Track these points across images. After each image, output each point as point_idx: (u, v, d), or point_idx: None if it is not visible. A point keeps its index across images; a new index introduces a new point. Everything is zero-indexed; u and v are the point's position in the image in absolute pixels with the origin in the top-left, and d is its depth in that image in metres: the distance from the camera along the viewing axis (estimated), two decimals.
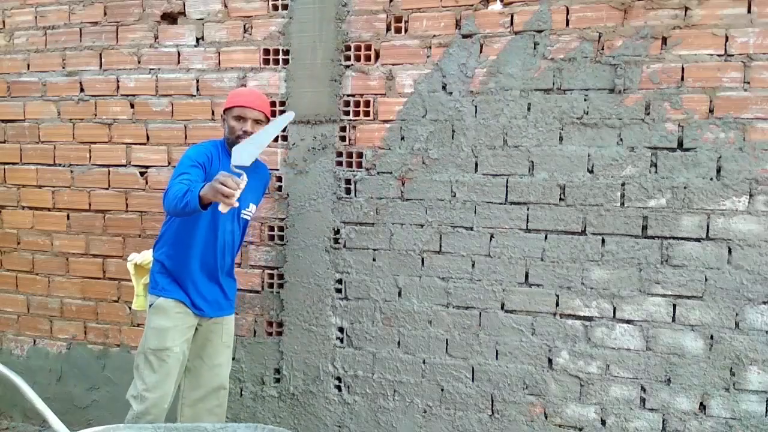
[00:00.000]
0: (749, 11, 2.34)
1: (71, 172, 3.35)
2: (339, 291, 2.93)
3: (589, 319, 2.60)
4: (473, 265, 2.73)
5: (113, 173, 3.26)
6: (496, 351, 2.72)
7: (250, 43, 2.99)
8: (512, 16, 2.60)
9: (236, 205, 2.14)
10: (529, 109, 2.61)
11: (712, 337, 2.46)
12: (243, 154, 2.23)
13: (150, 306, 2.56)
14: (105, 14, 3.22)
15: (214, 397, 2.66)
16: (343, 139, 2.88)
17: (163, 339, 2.50)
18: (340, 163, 2.88)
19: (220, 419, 2.68)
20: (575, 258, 2.59)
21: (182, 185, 2.25)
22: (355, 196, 2.87)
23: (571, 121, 2.56)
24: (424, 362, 2.82)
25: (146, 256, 2.70)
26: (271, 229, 3.02)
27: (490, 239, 2.69)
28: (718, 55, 2.39)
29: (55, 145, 3.37)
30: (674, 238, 2.47)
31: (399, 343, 2.86)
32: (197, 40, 3.08)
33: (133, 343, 3.28)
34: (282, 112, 2.95)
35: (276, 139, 2.98)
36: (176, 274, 2.55)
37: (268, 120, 2.57)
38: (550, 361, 2.66)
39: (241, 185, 2.11)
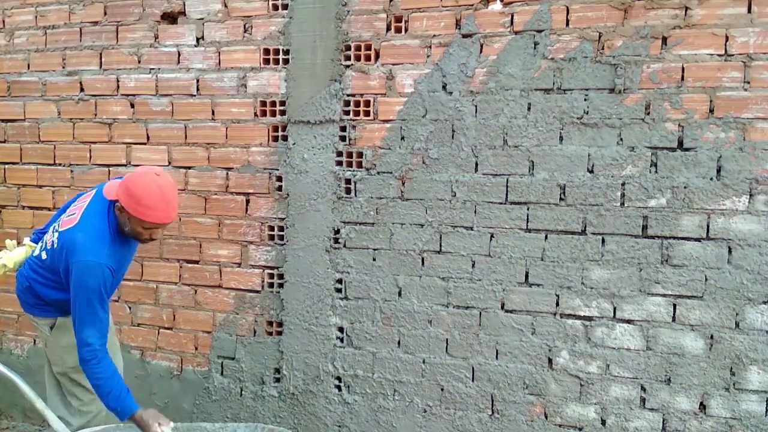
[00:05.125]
0: (749, 11, 2.34)
1: (71, 171, 3.35)
2: (339, 291, 2.93)
3: (589, 318, 2.60)
4: (473, 265, 2.72)
5: (113, 173, 3.26)
6: (496, 351, 2.72)
7: (250, 42, 2.99)
8: (512, 16, 2.60)
9: None
10: (529, 108, 2.61)
11: (712, 336, 2.46)
12: None
13: (51, 328, 2.51)
14: (105, 14, 3.22)
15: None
16: (343, 139, 2.88)
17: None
18: (340, 163, 2.88)
19: None
20: (575, 258, 2.59)
21: (119, 382, 2.27)
22: (355, 195, 2.87)
23: (571, 120, 2.56)
24: (424, 362, 2.82)
25: (9, 257, 2.58)
26: (271, 228, 3.02)
27: (490, 239, 2.69)
28: (719, 55, 2.38)
29: (55, 145, 3.37)
30: (674, 237, 2.47)
31: (399, 342, 2.86)
32: (197, 39, 3.08)
33: (133, 342, 3.29)
34: (282, 111, 2.96)
35: (276, 139, 2.99)
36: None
37: None
38: (550, 360, 2.66)
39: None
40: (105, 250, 2.29)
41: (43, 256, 2.46)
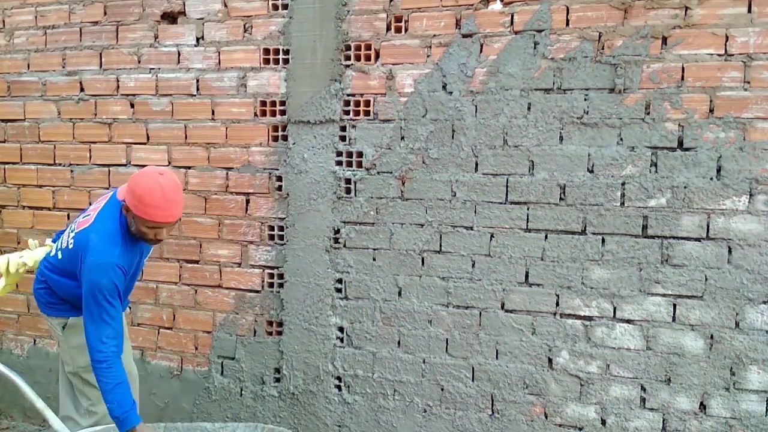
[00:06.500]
0: (749, 11, 2.34)
1: (71, 171, 3.35)
2: (339, 291, 2.93)
3: (589, 318, 2.60)
4: (473, 265, 2.73)
5: (113, 173, 3.26)
6: (496, 351, 2.72)
7: (250, 42, 2.99)
8: (512, 16, 2.60)
9: None
10: (529, 108, 2.61)
11: (712, 336, 2.46)
12: None
13: (63, 328, 2.52)
14: (105, 14, 3.22)
15: (133, 384, 2.68)
16: (343, 138, 2.88)
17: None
18: (340, 163, 2.88)
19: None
20: (575, 258, 2.59)
21: (127, 391, 2.27)
22: (355, 195, 2.87)
23: (572, 120, 2.56)
24: (424, 362, 2.82)
25: (30, 256, 2.57)
26: (271, 228, 3.02)
27: (490, 239, 2.69)
28: (719, 55, 2.39)
29: (55, 145, 3.37)
30: (674, 237, 2.47)
31: (399, 342, 2.86)
32: (197, 39, 3.08)
33: (133, 342, 3.28)
34: (282, 111, 2.96)
35: (276, 139, 2.99)
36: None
37: None
38: (550, 360, 2.66)
39: None
40: (117, 250, 2.31)
41: (59, 256, 2.49)
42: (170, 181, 2.31)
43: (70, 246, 2.42)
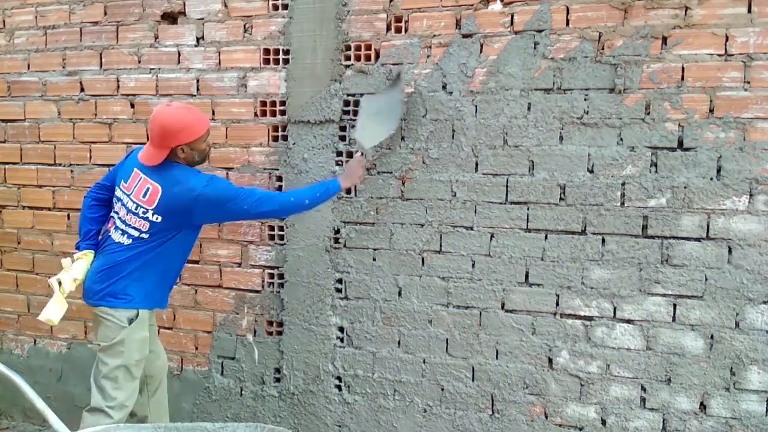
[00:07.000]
0: (749, 11, 2.34)
1: (72, 171, 3.35)
2: (339, 291, 2.93)
3: (590, 318, 2.60)
4: (473, 265, 2.73)
5: None
6: (497, 351, 2.72)
7: (251, 42, 2.99)
8: (512, 16, 2.60)
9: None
10: (529, 108, 2.61)
11: (712, 336, 2.46)
12: (366, 136, 2.65)
13: (130, 321, 2.53)
14: (105, 14, 3.22)
15: (164, 380, 2.84)
16: (343, 138, 2.88)
17: (145, 348, 2.60)
18: (340, 163, 2.88)
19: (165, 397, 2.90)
20: (575, 258, 2.59)
21: (311, 187, 2.65)
22: (355, 195, 2.87)
23: (572, 120, 2.56)
24: (424, 362, 2.83)
25: (77, 271, 2.60)
26: (272, 228, 3.02)
27: (491, 239, 2.69)
28: (719, 55, 2.39)
29: (56, 145, 3.37)
30: (674, 237, 2.47)
31: (399, 342, 2.86)
32: (197, 39, 3.08)
33: None
34: (282, 112, 2.96)
35: (276, 139, 2.98)
36: (156, 286, 2.59)
37: None
38: (550, 360, 2.66)
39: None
40: (202, 174, 2.53)
41: (144, 235, 2.50)
42: (178, 103, 2.62)
43: (158, 218, 2.47)
